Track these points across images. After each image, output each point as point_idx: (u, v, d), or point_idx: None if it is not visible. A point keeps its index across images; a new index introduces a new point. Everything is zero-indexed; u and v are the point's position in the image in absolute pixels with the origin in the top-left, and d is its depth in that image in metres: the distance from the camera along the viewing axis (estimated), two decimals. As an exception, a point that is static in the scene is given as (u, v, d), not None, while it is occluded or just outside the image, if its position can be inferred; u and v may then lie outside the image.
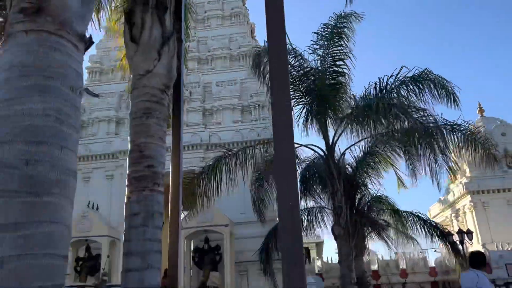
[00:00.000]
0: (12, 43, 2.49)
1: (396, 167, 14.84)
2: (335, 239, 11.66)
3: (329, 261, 22.35)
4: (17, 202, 2.18)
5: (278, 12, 2.55)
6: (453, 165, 9.81)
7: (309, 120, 11.94)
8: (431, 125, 9.37)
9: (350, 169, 14.20)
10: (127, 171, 4.50)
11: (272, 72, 2.47)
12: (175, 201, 4.89)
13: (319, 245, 33.17)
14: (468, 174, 26.06)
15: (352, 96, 11.16)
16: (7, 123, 2.31)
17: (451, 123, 10.25)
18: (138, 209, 4.28)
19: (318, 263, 24.50)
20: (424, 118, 9.47)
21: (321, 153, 12.01)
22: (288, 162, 2.26)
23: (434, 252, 23.80)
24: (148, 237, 4.21)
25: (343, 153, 11.99)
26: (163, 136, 4.74)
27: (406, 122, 9.57)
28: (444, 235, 14.69)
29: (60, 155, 2.38)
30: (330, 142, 11.65)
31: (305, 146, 12.46)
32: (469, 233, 16.95)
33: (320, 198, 14.88)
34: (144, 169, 4.42)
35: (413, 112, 9.63)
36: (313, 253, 32.48)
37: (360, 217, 12.92)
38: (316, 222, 15.00)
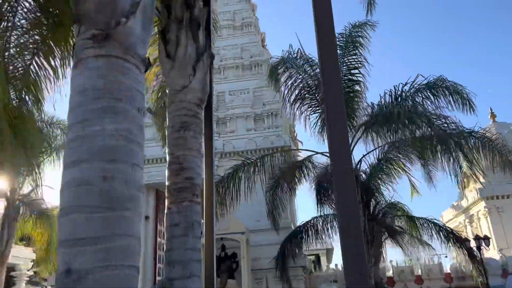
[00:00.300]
0: (83, 68, 2.68)
1: (409, 174, 14.90)
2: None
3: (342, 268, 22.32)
4: (97, 217, 2.35)
5: (330, 34, 2.72)
6: (477, 171, 9.91)
7: (325, 128, 12.07)
8: (453, 132, 9.48)
9: (364, 175, 14.28)
10: (167, 183, 4.67)
11: (326, 91, 2.63)
12: (209, 210, 5.08)
13: (329, 252, 33.11)
14: (481, 179, 25.85)
15: (371, 104, 11.29)
16: (84, 143, 2.49)
17: (469, 130, 10.35)
18: (178, 219, 4.44)
19: (331, 269, 24.47)
20: (445, 125, 9.59)
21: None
22: (347, 175, 2.40)
23: (445, 258, 23.73)
24: (189, 246, 4.36)
25: (360, 161, 12.10)
26: (199, 148, 4.92)
27: (427, 129, 9.70)
28: (460, 241, 14.70)
29: (131, 172, 2.55)
30: (347, 149, 11.75)
31: (321, 153, 12.61)
32: (486, 239, 16.91)
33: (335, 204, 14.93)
34: (183, 181, 4.59)
35: (434, 119, 9.75)
36: (323, 260, 32.42)
37: (376, 223, 12.98)
38: (331, 229, 15.07)
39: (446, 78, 11.56)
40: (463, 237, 15.94)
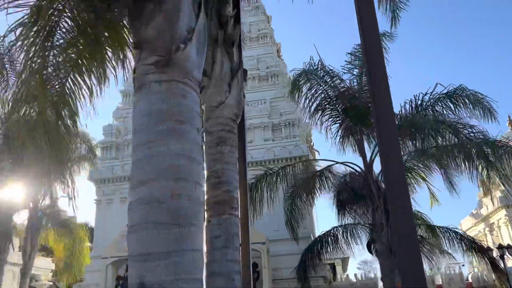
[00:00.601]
0: (146, 92, 2.86)
1: (429, 182, 14.84)
2: (377, 256, 11.74)
3: (362, 277, 22.17)
4: (167, 233, 2.51)
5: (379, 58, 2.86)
6: (503, 180, 9.89)
7: (346, 138, 12.16)
8: (479, 141, 9.51)
9: (383, 185, 14.28)
10: (206, 196, 4.82)
11: (377, 109, 2.76)
12: (245, 221, 5.22)
13: (345, 261, 32.85)
14: (502, 187, 25.50)
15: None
16: (151, 162, 2.65)
17: (493, 139, 10.33)
18: (219, 232, 4.58)
19: (351, 279, 24.31)
20: (472, 135, 9.62)
21: (359, 170, 12.19)
22: (401, 189, 2.52)
23: (462, 267, 23.40)
24: (229, 258, 4.50)
25: (382, 170, 12.10)
26: (235, 162, 5.07)
27: (452, 139, 9.75)
28: (483, 250, 14.55)
29: (194, 190, 2.70)
30: (368, 159, 11.81)
31: (342, 163, 12.66)
32: (510, 247, 16.69)
33: (356, 214, 14.93)
34: (222, 194, 4.74)
35: (461, 129, 9.80)
36: (338, 269, 32.16)
37: (398, 233, 12.94)
38: (351, 238, 15.04)
39: (466, 87, 11.58)
40: (486, 246, 15.76)
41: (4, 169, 14.68)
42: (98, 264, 16.64)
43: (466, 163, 9.84)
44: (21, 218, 17.90)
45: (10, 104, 12.78)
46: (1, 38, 6.08)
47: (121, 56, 6.32)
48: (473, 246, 14.49)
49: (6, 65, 10.78)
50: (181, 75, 2.90)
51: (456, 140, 9.54)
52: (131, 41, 6.25)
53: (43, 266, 27.16)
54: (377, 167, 12.62)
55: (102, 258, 15.93)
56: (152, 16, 2.95)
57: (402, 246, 2.40)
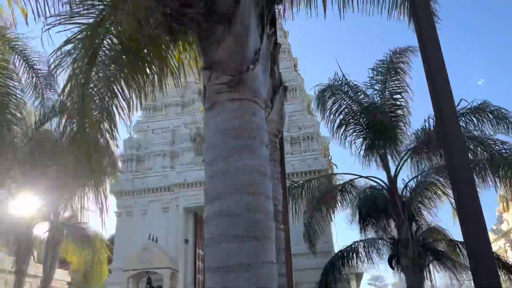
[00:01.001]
0: (220, 110, 2.99)
1: (451, 197, 14.74)
2: (402, 271, 11.67)
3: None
4: (246, 246, 2.61)
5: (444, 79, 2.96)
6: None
7: (369, 152, 12.21)
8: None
9: (404, 199, 14.24)
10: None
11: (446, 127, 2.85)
12: (287, 234, 5.30)
13: (359, 276, 32.46)
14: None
15: (420, 129, 11.42)
16: (229, 177, 2.77)
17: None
18: (266, 246, 4.65)
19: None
20: (503, 151, 9.64)
21: (383, 184, 12.20)
22: (474, 209, 2.59)
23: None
24: (278, 272, 4.55)
25: (406, 185, 12.12)
26: (278, 176, 5.18)
27: (482, 153, 9.79)
28: (507, 267, 14.34)
29: (267, 204, 2.81)
30: (392, 174, 11.82)
31: (366, 177, 12.69)
32: (535, 264, 16.38)
33: (378, 228, 14.84)
34: (268, 208, 4.82)
35: (492, 144, 9.83)
36: (352, 285, 31.77)
37: (422, 247, 12.85)
38: (376, 253, 14.93)
39: (490, 103, 11.66)
40: (511, 263, 15.51)
41: (27, 181, 14.95)
42: (119, 276, 16.73)
43: (490, 177, 9.86)
44: (41, 230, 18.09)
45: (40, 117, 13.10)
46: (54, 52, 6.31)
47: (157, 71, 6.55)
48: (498, 262, 14.30)
49: (42, 80, 11.12)
50: (251, 94, 3.03)
51: (489, 156, 9.55)
52: (169, 57, 6.48)
53: (59, 278, 27.35)
54: (400, 181, 12.61)
55: (123, 270, 16.02)
56: (222, 38, 3.09)
57: (478, 262, 2.46)
